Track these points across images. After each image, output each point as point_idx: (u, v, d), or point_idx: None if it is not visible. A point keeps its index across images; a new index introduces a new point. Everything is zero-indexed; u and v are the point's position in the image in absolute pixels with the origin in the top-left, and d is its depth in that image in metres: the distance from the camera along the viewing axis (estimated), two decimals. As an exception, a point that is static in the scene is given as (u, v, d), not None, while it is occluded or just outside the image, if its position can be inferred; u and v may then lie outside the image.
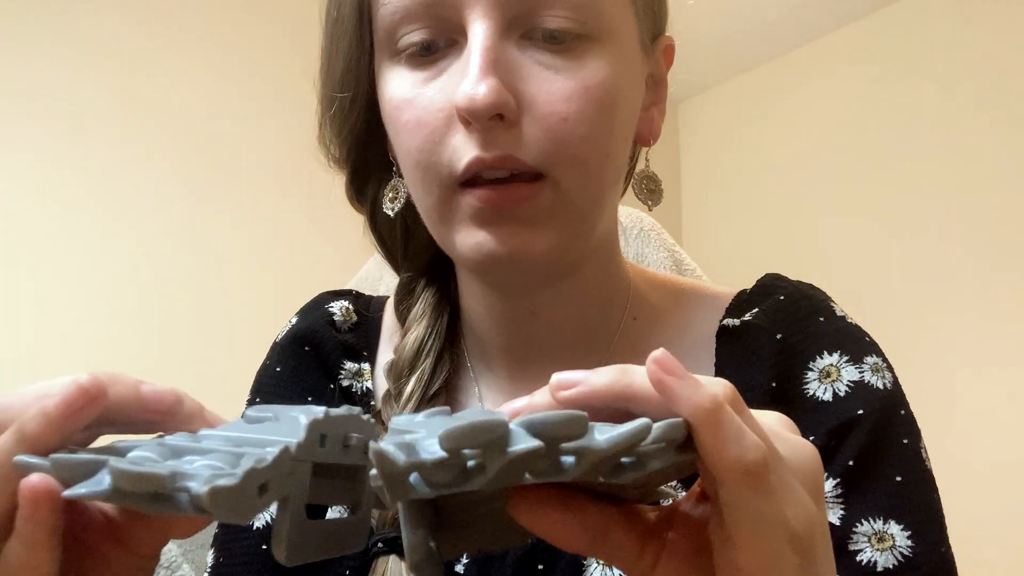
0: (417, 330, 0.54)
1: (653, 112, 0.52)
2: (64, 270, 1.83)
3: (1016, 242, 2.16)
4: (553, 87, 0.43)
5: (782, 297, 0.52)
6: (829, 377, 0.49)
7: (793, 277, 0.56)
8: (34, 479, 0.28)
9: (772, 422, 0.31)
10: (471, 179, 0.43)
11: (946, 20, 2.35)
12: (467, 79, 0.42)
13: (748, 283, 0.56)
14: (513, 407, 0.29)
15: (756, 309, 0.52)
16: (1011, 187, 2.18)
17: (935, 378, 2.17)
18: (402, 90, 0.45)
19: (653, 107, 0.52)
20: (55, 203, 1.85)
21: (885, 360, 0.50)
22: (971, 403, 2.16)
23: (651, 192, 0.54)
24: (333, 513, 0.49)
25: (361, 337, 0.58)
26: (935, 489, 0.48)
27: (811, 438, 0.46)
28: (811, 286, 0.54)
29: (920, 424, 0.49)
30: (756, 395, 0.48)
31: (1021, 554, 2.01)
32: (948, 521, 0.47)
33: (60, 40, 1.91)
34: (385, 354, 0.57)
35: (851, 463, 0.46)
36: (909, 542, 0.44)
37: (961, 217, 2.26)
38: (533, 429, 0.25)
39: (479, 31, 0.43)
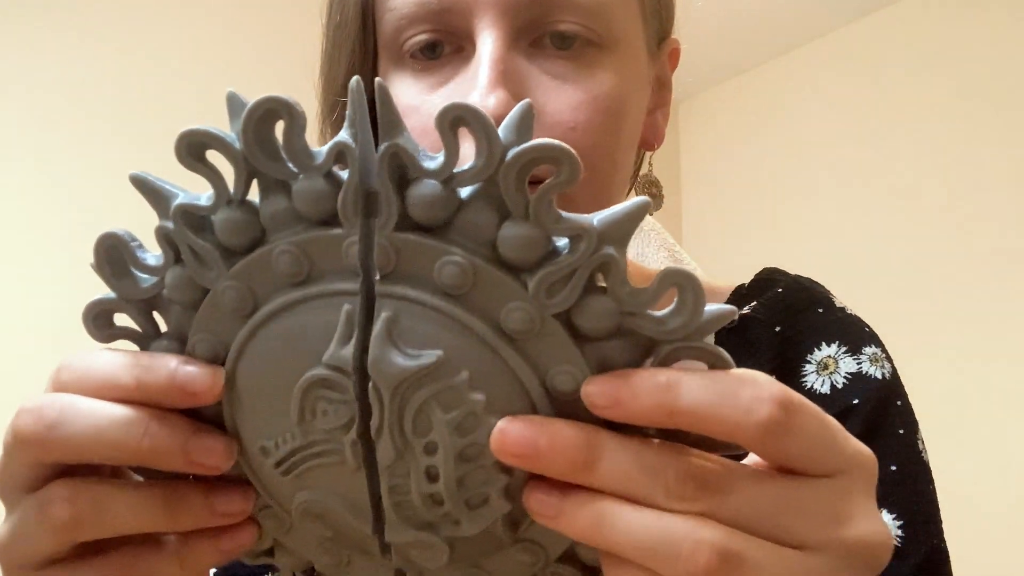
0: None
1: (657, 116, 0.52)
2: (57, 264, 1.83)
3: (1018, 242, 2.15)
4: (561, 97, 0.43)
5: (780, 290, 0.52)
6: (827, 369, 0.49)
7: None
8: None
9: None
10: None
11: (946, 20, 2.35)
12: (476, 91, 0.41)
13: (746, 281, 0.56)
14: None
15: (754, 302, 0.52)
16: (1013, 187, 2.18)
17: (935, 378, 2.17)
18: (407, 97, 0.45)
19: (657, 110, 0.53)
20: (47, 197, 1.85)
21: (885, 351, 0.50)
22: (971, 402, 2.16)
23: (652, 196, 0.54)
24: None
25: None
26: (930, 481, 0.48)
27: None
28: (810, 279, 0.54)
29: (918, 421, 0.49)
30: None
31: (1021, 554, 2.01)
32: (952, 519, 0.47)
33: (56, 33, 1.90)
34: None
35: None
36: (899, 532, 0.44)
37: (963, 216, 2.25)
38: None
39: (488, 41, 0.42)
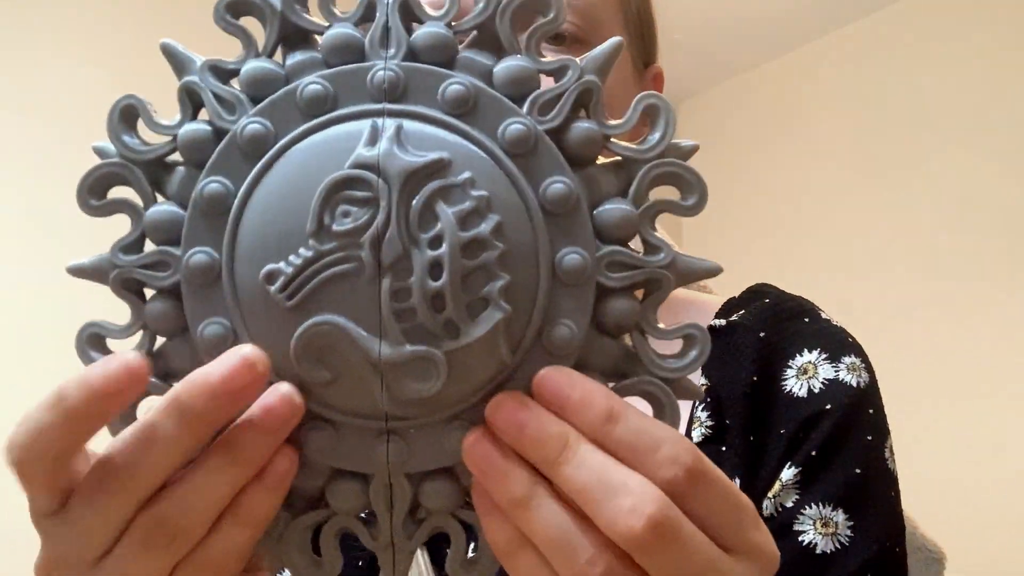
0: None
1: (644, 133, 0.55)
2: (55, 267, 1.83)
3: (1022, 239, 2.16)
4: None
5: (768, 300, 0.55)
6: (806, 374, 0.51)
7: (794, 277, 0.57)
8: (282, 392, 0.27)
9: None
10: None
11: (947, 20, 2.36)
12: None
13: (749, 283, 0.57)
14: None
15: (743, 311, 0.55)
16: (1014, 186, 2.18)
17: (937, 381, 2.18)
18: None
19: (644, 128, 0.55)
20: (46, 202, 1.85)
21: (865, 361, 0.52)
22: (972, 399, 2.16)
23: None
24: None
25: None
26: (892, 488, 0.50)
27: (782, 431, 0.48)
28: (799, 295, 0.56)
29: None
30: (738, 389, 0.49)
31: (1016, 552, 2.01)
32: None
33: (56, 38, 1.91)
34: None
35: (813, 453, 0.49)
36: (849, 531, 0.47)
37: (964, 216, 2.26)
38: None
39: None
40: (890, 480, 0.50)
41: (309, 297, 0.28)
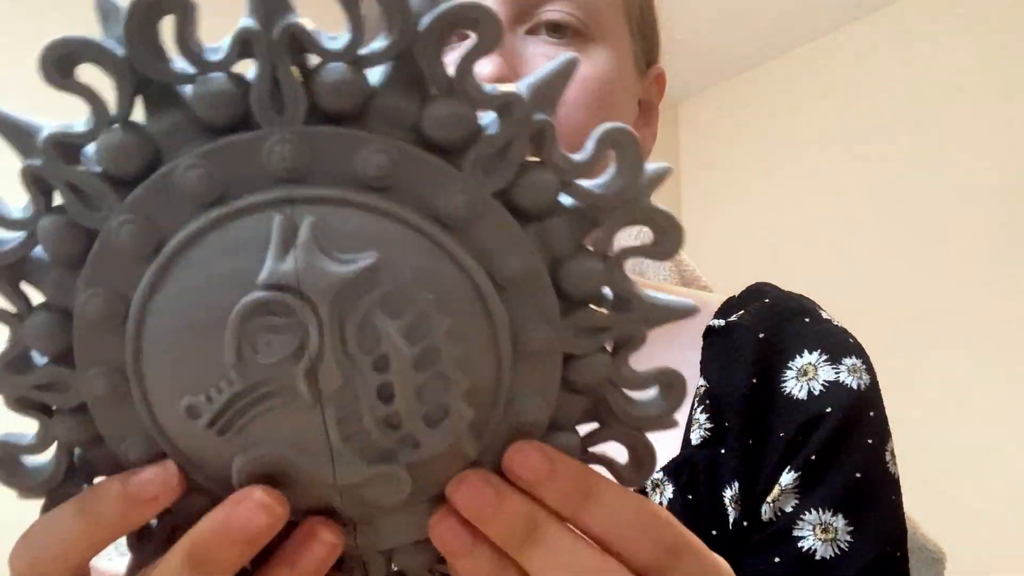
0: None
1: (645, 134, 0.55)
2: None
3: (1017, 237, 2.16)
4: None
5: (767, 300, 0.55)
6: (806, 375, 0.51)
7: (794, 277, 0.57)
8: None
9: None
10: None
11: (947, 20, 2.36)
12: None
13: (748, 283, 0.57)
14: None
15: (742, 311, 0.54)
16: (1015, 189, 2.18)
17: (939, 382, 2.18)
18: None
19: (644, 128, 0.55)
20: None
21: (866, 363, 0.52)
22: (975, 407, 2.16)
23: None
24: None
25: None
26: (895, 492, 0.50)
27: (782, 434, 0.47)
28: (799, 294, 0.55)
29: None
30: (737, 391, 0.49)
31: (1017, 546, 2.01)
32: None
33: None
34: None
35: (813, 457, 0.48)
36: (848, 537, 0.46)
37: (964, 216, 2.26)
38: None
39: None
40: (891, 484, 0.49)
41: (243, 429, 0.24)
